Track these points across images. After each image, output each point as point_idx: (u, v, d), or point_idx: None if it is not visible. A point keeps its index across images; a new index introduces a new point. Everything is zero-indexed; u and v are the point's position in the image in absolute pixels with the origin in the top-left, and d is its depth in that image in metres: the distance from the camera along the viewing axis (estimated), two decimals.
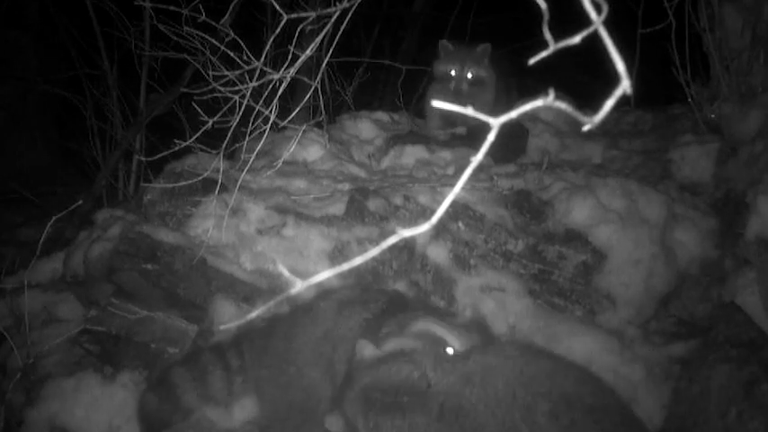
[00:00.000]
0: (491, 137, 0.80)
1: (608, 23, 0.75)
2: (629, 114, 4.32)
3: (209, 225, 2.97)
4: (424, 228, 0.87)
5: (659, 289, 2.92)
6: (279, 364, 2.40)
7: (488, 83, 3.86)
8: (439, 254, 2.99)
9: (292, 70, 2.36)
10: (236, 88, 2.47)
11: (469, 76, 3.82)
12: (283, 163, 3.00)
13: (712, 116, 3.56)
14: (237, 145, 3.01)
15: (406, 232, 0.85)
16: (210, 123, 2.48)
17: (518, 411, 1.82)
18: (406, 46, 6.53)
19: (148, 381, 2.69)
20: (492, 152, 3.20)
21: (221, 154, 2.74)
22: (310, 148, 3.63)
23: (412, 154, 3.74)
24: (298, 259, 3.01)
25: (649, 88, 4.30)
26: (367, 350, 1.94)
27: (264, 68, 2.41)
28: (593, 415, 1.85)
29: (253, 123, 2.58)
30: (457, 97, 3.80)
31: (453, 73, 3.81)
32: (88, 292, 3.03)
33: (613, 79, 0.74)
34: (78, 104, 5.17)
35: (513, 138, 3.77)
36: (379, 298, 2.40)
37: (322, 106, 2.79)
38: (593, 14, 0.74)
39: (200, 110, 2.49)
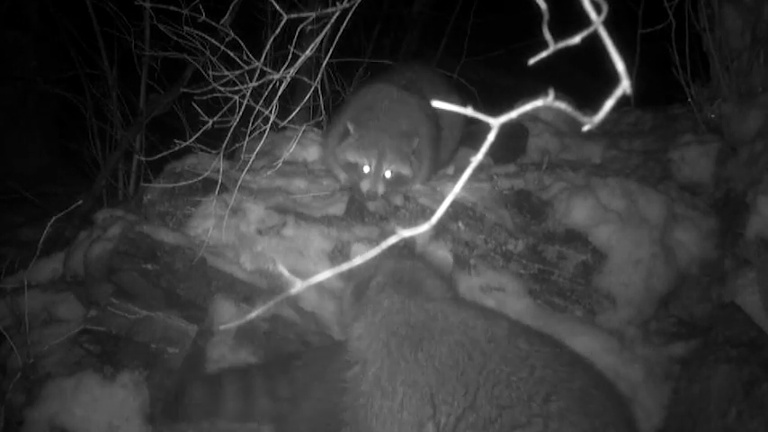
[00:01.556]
0: (491, 137, 0.80)
1: (608, 23, 0.75)
2: (629, 114, 4.32)
3: (209, 225, 2.97)
4: (424, 228, 0.87)
5: (659, 289, 2.92)
6: (306, 395, 2.41)
7: (414, 176, 3.05)
8: (439, 254, 2.99)
9: (292, 70, 2.36)
10: (236, 88, 2.46)
11: (388, 175, 2.95)
12: (283, 163, 3.00)
13: (712, 116, 3.55)
14: (237, 145, 3.01)
15: (406, 232, 0.85)
16: (210, 123, 2.48)
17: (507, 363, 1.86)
18: (406, 46, 6.53)
19: (148, 381, 2.69)
20: (492, 152, 3.20)
21: (221, 154, 2.74)
22: (310, 148, 3.63)
23: None
24: (298, 259, 3.01)
25: (649, 88, 4.30)
26: None
27: (264, 68, 2.41)
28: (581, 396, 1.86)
29: (253, 123, 2.58)
30: (367, 200, 3.01)
31: (366, 169, 2.92)
32: (88, 292, 3.03)
33: (613, 79, 0.75)
34: (78, 104, 5.16)
35: (513, 138, 3.76)
36: None
37: (322, 106, 2.79)
38: (592, 14, 0.74)
39: (200, 110, 2.49)
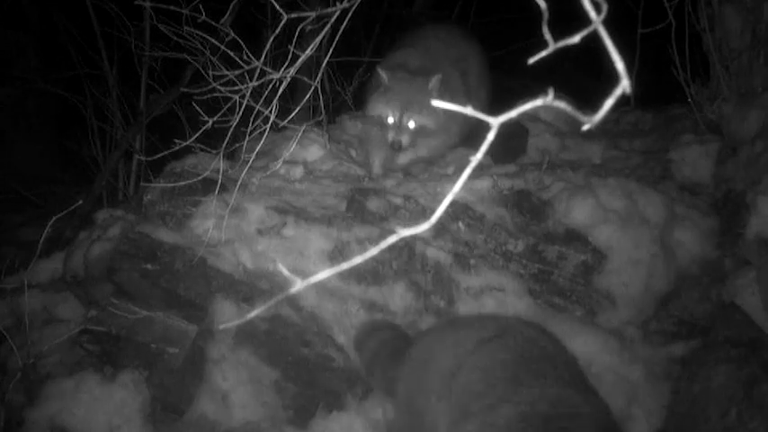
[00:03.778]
0: (491, 137, 0.80)
1: (607, 23, 0.75)
2: (629, 114, 4.32)
3: (209, 225, 2.96)
4: (424, 228, 0.87)
5: (659, 289, 2.92)
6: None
7: (439, 129, 3.12)
8: (439, 254, 2.99)
9: (292, 70, 2.35)
10: (236, 88, 2.46)
11: (411, 125, 3.01)
12: (283, 163, 3.00)
13: (712, 116, 3.55)
14: (237, 145, 3.01)
15: (406, 232, 0.85)
16: (210, 123, 2.48)
17: None
18: None
19: (148, 381, 2.69)
20: (492, 152, 3.19)
21: (221, 154, 2.74)
22: (310, 148, 3.63)
23: None
24: (298, 259, 3.01)
25: (649, 88, 4.30)
26: None
27: (264, 68, 2.40)
28: None
29: (253, 123, 2.58)
30: (393, 151, 3.12)
31: (390, 120, 3.00)
32: (88, 292, 3.03)
33: (613, 79, 0.75)
34: (78, 104, 5.17)
35: (513, 138, 3.76)
36: None
37: (322, 106, 2.78)
38: (592, 14, 0.74)
39: (200, 110, 2.49)
